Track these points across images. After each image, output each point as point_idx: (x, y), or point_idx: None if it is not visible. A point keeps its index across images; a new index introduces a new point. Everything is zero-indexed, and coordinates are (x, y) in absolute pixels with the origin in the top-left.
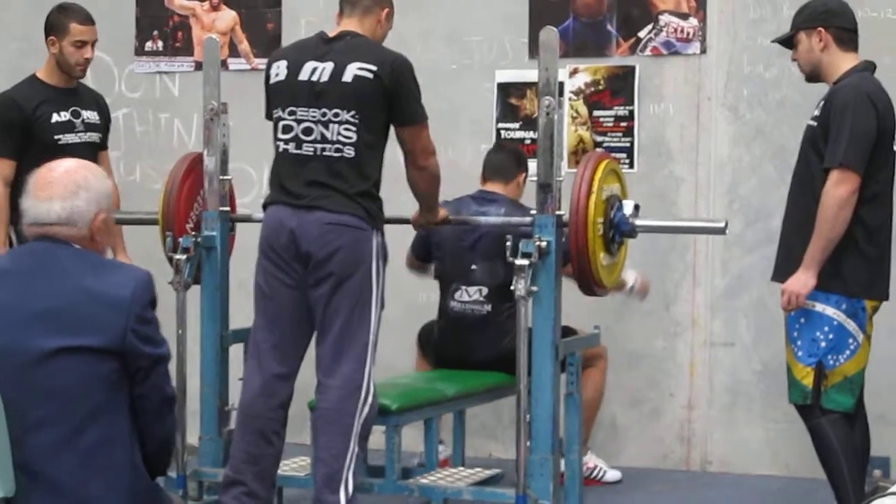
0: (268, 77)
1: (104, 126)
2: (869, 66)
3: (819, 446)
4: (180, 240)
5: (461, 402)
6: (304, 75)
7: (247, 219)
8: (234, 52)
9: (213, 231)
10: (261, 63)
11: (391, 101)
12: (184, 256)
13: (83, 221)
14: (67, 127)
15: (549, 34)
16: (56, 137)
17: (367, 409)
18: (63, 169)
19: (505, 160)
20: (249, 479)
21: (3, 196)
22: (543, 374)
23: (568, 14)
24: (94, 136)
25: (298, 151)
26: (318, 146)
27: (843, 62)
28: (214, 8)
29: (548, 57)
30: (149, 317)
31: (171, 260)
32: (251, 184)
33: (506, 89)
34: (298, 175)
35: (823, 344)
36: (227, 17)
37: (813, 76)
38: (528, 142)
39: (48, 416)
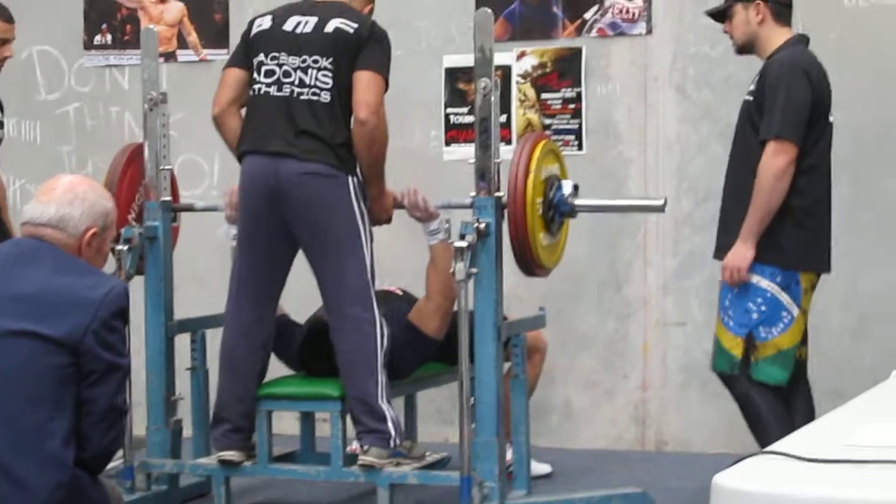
0: (248, 31)
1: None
2: (802, 40)
3: (749, 416)
4: (122, 231)
5: (407, 387)
6: (288, 26)
7: (189, 208)
8: (182, 43)
9: (154, 221)
10: (209, 54)
11: (361, 50)
12: (125, 247)
13: (73, 230)
14: None
15: (484, 16)
16: None
17: (384, 341)
18: (68, 180)
19: None
20: (236, 417)
21: None
22: (486, 357)
23: None
24: (0, 133)
25: (279, 94)
26: (297, 89)
27: (777, 36)
28: (162, 0)
29: (483, 38)
30: (114, 325)
31: (112, 251)
32: (202, 175)
33: (454, 74)
34: (275, 119)
35: (755, 315)
36: (175, 8)
37: (745, 49)
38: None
39: None
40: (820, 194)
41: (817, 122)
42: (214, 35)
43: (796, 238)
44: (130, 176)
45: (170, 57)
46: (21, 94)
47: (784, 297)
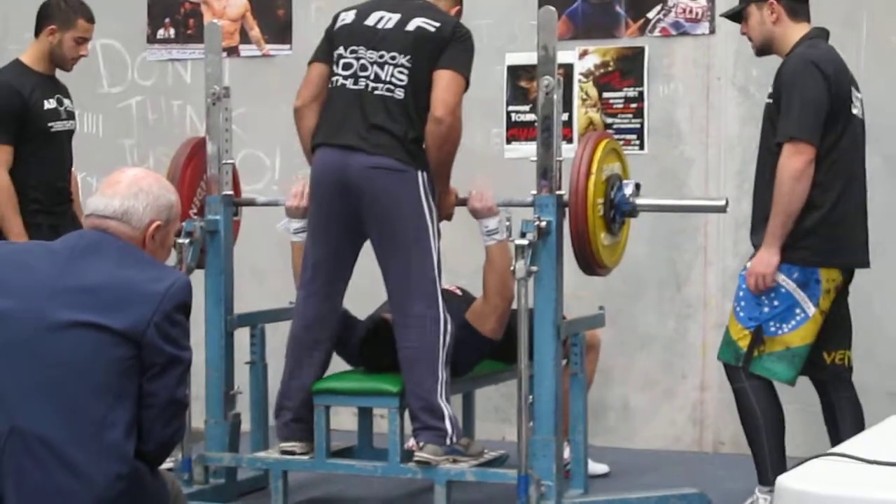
0: (332, 25)
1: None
2: (821, 34)
3: (741, 411)
4: (183, 224)
5: (465, 384)
6: (370, 21)
7: (250, 203)
8: (245, 38)
9: (216, 215)
10: (272, 49)
11: (443, 50)
12: (186, 240)
13: (137, 223)
14: (56, 114)
15: (548, 14)
16: (49, 125)
17: (448, 339)
18: (133, 173)
19: None
20: (297, 407)
21: (7, 182)
22: (545, 355)
23: None
24: (73, 124)
25: (354, 87)
26: (371, 84)
27: (794, 33)
28: None
29: (546, 36)
30: (177, 318)
31: (173, 244)
32: (263, 170)
33: (515, 72)
34: (349, 113)
35: (767, 309)
36: (238, 3)
37: (764, 49)
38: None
39: (53, 383)
40: (844, 190)
41: (837, 116)
42: (277, 30)
43: (817, 235)
44: (192, 170)
45: (232, 52)
46: (84, 86)
47: (799, 295)
